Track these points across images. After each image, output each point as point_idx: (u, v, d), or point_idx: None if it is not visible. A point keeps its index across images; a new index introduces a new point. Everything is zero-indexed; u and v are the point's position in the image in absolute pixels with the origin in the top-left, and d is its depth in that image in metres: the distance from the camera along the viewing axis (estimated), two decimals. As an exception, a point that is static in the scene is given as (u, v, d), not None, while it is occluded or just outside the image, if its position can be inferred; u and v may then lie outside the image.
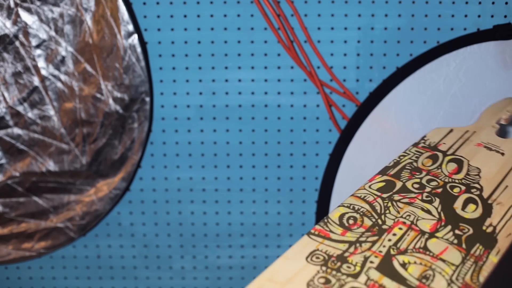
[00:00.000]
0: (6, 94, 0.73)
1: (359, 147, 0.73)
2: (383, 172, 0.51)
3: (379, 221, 0.46)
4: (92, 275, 0.86)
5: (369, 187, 0.49)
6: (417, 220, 0.46)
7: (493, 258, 0.44)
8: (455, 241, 0.44)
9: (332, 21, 0.72)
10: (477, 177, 0.52)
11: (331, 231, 0.45)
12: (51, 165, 0.76)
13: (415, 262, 0.42)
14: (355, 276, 0.41)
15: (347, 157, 0.74)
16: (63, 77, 0.72)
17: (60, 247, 0.81)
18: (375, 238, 0.44)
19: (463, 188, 0.50)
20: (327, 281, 0.41)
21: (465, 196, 0.49)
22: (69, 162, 0.76)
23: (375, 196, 0.48)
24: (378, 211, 0.47)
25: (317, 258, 0.43)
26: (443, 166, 0.53)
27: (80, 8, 0.69)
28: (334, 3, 0.71)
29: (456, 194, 0.49)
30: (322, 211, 0.77)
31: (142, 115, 0.74)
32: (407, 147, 0.55)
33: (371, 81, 0.75)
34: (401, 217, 0.46)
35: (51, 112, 0.73)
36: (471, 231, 0.45)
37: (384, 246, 0.44)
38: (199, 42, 0.73)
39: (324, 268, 0.42)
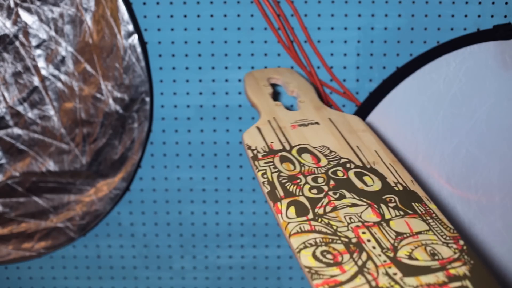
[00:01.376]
0: (6, 94, 0.73)
1: (359, 147, 0.73)
2: (274, 197, 0.48)
3: (345, 239, 0.44)
4: (92, 275, 0.86)
5: (289, 218, 0.46)
6: (360, 217, 0.46)
7: (433, 206, 0.46)
8: (401, 213, 0.46)
9: (332, 21, 0.72)
10: (334, 153, 0.53)
11: (331, 276, 0.41)
12: (51, 165, 0.76)
13: (412, 249, 0.43)
14: None
15: (347, 157, 0.74)
16: (63, 77, 0.72)
17: (60, 247, 0.81)
18: (365, 255, 0.43)
19: (341, 168, 0.51)
20: None
21: (351, 174, 0.50)
22: (69, 162, 0.76)
23: (307, 222, 0.46)
24: (329, 232, 0.45)
25: None
26: (302, 161, 0.52)
27: (80, 8, 0.69)
28: (334, 3, 0.71)
29: (344, 177, 0.50)
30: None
31: (142, 115, 0.74)
32: (255, 164, 0.53)
33: (371, 81, 0.75)
34: (349, 223, 0.45)
35: (51, 112, 0.73)
36: (395, 198, 0.47)
37: (379, 255, 0.43)
38: (199, 42, 0.74)
39: None
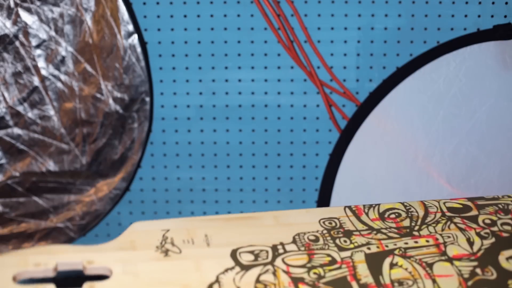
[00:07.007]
0: (6, 94, 0.73)
1: (359, 147, 0.73)
2: (474, 199, 0.49)
3: (416, 227, 0.45)
4: (92, 275, 0.86)
5: (444, 203, 0.48)
6: (451, 243, 0.45)
7: None
8: (466, 275, 0.42)
9: (332, 21, 0.72)
10: None
11: (366, 213, 0.46)
12: (51, 165, 0.76)
13: (406, 269, 0.42)
14: (342, 249, 0.43)
15: (347, 157, 0.74)
16: (63, 77, 0.72)
17: (60, 247, 0.81)
18: (396, 236, 0.44)
19: None
20: (315, 240, 0.43)
21: None
22: (69, 162, 0.76)
23: (439, 210, 0.47)
24: (426, 220, 0.46)
25: (330, 223, 0.44)
26: None
27: (80, 8, 0.69)
28: (334, 3, 0.71)
29: None
30: (322, 211, 0.77)
31: (142, 115, 0.74)
32: None
33: (371, 81, 0.75)
34: (440, 234, 0.45)
35: (51, 112, 0.73)
36: (492, 277, 0.43)
37: (394, 245, 0.44)
38: (199, 42, 0.73)
39: (325, 232, 0.44)
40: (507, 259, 0.44)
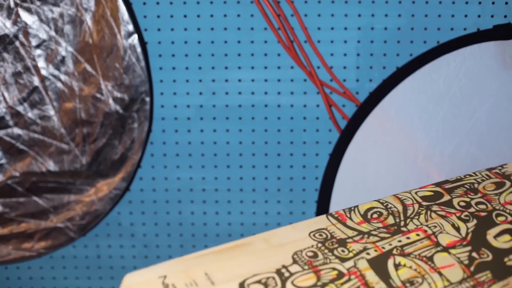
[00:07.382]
0: (6, 94, 0.73)
1: (359, 147, 0.73)
2: (440, 184, 0.50)
3: (402, 223, 0.45)
4: (92, 275, 0.86)
5: (415, 193, 0.49)
6: (440, 233, 0.45)
7: None
8: (466, 262, 0.43)
9: (332, 21, 0.72)
10: None
11: (350, 218, 0.45)
12: (51, 165, 0.76)
13: (410, 267, 0.42)
14: (343, 260, 0.42)
15: (347, 157, 0.74)
16: (63, 77, 0.72)
17: (60, 247, 0.81)
18: (387, 235, 0.44)
19: (510, 219, 0.48)
20: (314, 256, 0.42)
21: (506, 226, 0.47)
22: (69, 162, 0.76)
23: (415, 202, 0.48)
24: (408, 214, 0.46)
25: (320, 235, 0.44)
26: (504, 194, 0.50)
27: (80, 8, 0.69)
28: (334, 3, 0.71)
29: (498, 222, 0.47)
30: (322, 211, 0.77)
31: (142, 115, 0.74)
32: (480, 170, 0.53)
33: (371, 81, 0.75)
34: (426, 225, 0.46)
35: (51, 112, 0.73)
36: (489, 258, 0.44)
37: (390, 245, 0.44)
38: (199, 42, 0.73)
39: (320, 245, 0.43)
40: (495, 237, 0.45)
